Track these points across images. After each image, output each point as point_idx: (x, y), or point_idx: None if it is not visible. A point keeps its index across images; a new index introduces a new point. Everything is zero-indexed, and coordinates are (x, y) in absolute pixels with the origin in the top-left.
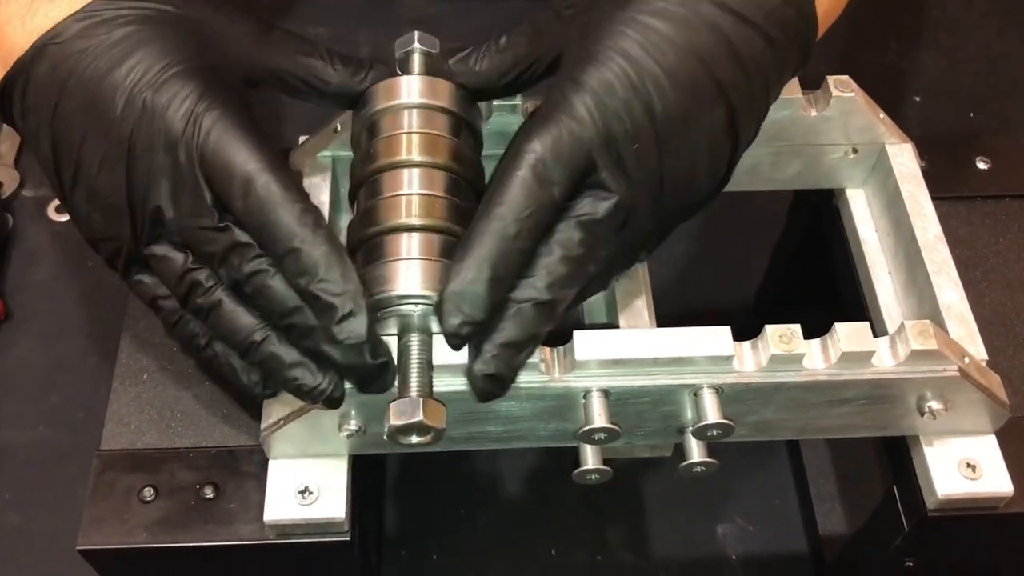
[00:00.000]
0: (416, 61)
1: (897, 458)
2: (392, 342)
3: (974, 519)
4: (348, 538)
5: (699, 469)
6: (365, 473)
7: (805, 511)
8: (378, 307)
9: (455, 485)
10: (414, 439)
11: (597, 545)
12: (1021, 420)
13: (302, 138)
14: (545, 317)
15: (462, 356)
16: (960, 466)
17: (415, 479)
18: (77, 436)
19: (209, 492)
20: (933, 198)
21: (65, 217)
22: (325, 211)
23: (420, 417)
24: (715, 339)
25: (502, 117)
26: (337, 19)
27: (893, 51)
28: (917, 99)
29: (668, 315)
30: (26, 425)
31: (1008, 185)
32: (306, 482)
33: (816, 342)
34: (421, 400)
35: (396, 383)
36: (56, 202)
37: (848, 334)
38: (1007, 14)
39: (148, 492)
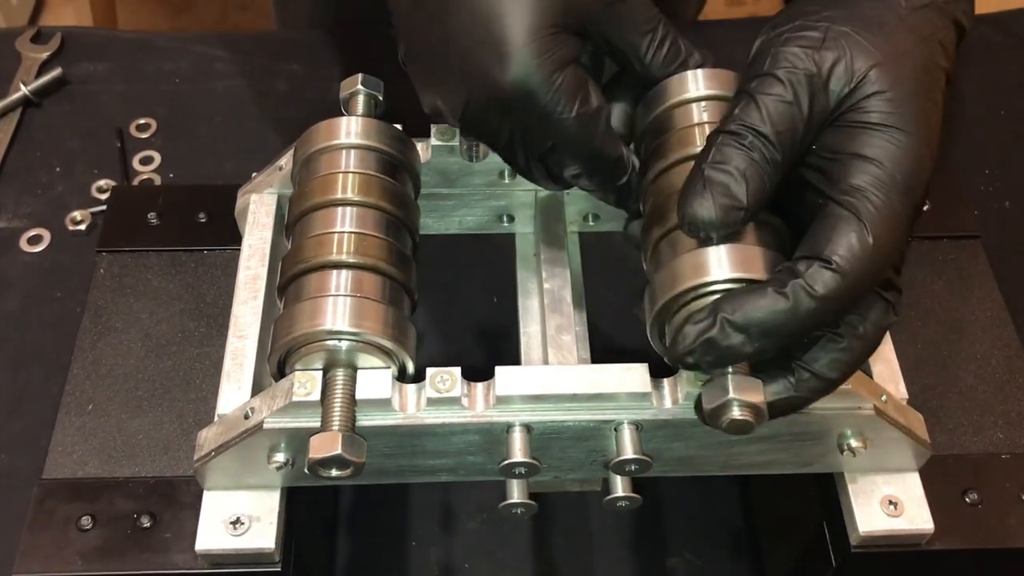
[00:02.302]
0: (360, 103)
1: (827, 495)
2: (317, 376)
3: (897, 556)
4: (278, 569)
5: (623, 504)
6: (307, 504)
7: (753, 546)
8: (306, 341)
9: (406, 518)
10: (334, 472)
11: None
12: (947, 459)
13: (254, 174)
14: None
15: (386, 391)
16: (883, 503)
17: (367, 512)
18: (37, 463)
19: (146, 521)
20: None
21: (36, 248)
22: (267, 247)
23: (339, 451)
24: (633, 376)
25: (441, 158)
26: (313, 56)
27: None
28: None
29: (615, 355)
30: None
31: (946, 226)
32: (238, 512)
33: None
34: (341, 434)
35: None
36: (28, 233)
37: None
38: (962, 57)
39: (86, 521)
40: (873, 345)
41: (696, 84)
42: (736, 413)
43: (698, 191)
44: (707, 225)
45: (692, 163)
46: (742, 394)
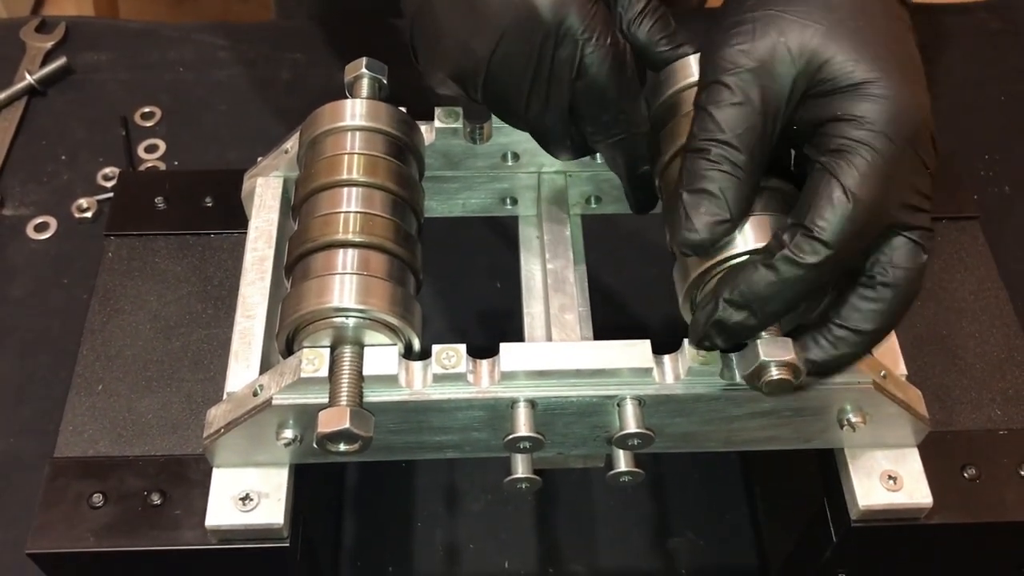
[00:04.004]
0: (364, 86)
1: (828, 471)
2: (324, 353)
3: (897, 530)
4: (287, 544)
5: (626, 479)
6: (315, 483)
7: (755, 525)
8: (314, 318)
9: (412, 498)
10: (342, 447)
11: (549, 558)
12: (946, 435)
13: (260, 158)
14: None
15: (392, 367)
16: (882, 478)
17: (373, 492)
18: (45, 447)
19: (156, 499)
20: None
21: (42, 236)
22: (273, 228)
23: (347, 425)
24: (636, 351)
25: (444, 140)
26: (315, 45)
27: None
28: None
29: (617, 335)
30: None
31: (944, 208)
32: (247, 489)
33: (734, 355)
34: (349, 409)
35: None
36: (34, 221)
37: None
38: (962, 43)
39: (97, 498)
40: (908, 289)
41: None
42: (774, 373)
43: (681, 219)
44: (699, 246)
45: None
46: (774, 355)
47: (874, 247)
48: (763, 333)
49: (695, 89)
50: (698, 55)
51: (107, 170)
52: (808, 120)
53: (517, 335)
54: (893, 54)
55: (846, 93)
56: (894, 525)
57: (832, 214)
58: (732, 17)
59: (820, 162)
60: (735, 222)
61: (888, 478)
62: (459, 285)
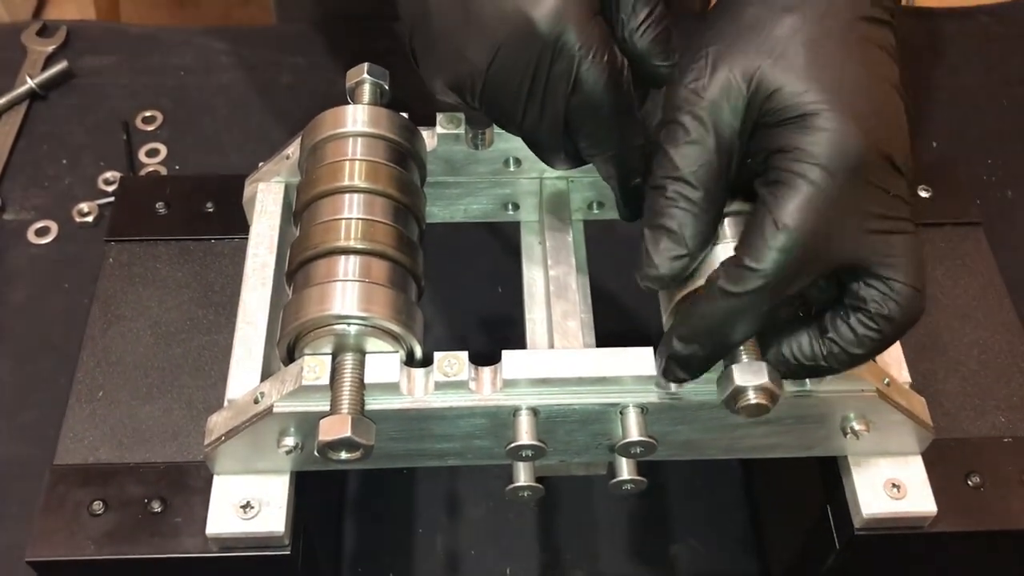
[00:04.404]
0: (366, 91)
1: (830, 478)
2: (326, 361)
3: (900, 538)
4: (288, 552)
5: (628, 487)
6: (317, 490)
7: (756, 532)
8: (315, 326)
9: (413, 505)
10: (343, 455)
11: (551, 564)
12: (950, 442)
13: (261, 164)
14: None
15: (394, 375)
16: (886, 486)
17: (375, 499)
18: (46, 452)
19: (156, 506)
20: None
21: (43, 240)
22: (275, 234)
23: (348, 433)
24: (638, 359)
25: (446, 146)
26: (316, 49)
27: None
28: None
29: (620, 342)
30: None
31: (948, 213)
32: (248, 497)
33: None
34: (350, 417)
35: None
36: (35, 225)
37: None
38: (964, 47)
39: (98, 506)
40: (903, 321)
41: None
42: (751, 398)
43: (644, 256)
44: (659, 281)
45: None
46: (748, 380)
47: (862, 276)
48: (742, 355)
49: None
50: None
51: (108, 174)
52: (759, 151)
53: (519, 342)
54: (846, 83)
55: (790, 124)
56: (898, 533)
57: (761, 243)
58: (689, 54)
59: (759, 193)
60: (694, 256)
61: (892, 486)
62: (461, 291)
